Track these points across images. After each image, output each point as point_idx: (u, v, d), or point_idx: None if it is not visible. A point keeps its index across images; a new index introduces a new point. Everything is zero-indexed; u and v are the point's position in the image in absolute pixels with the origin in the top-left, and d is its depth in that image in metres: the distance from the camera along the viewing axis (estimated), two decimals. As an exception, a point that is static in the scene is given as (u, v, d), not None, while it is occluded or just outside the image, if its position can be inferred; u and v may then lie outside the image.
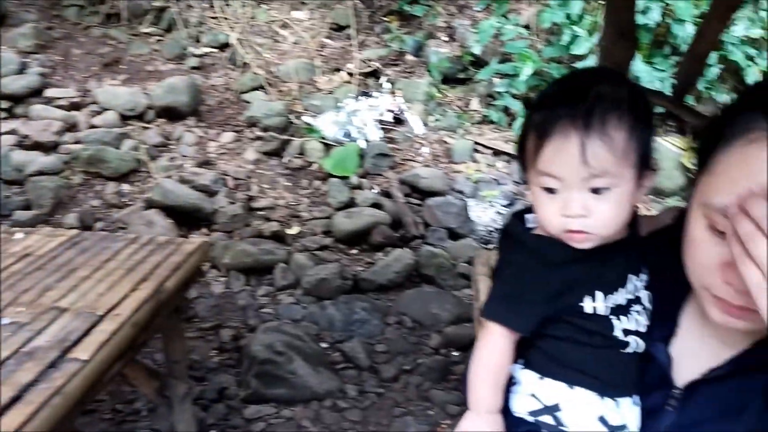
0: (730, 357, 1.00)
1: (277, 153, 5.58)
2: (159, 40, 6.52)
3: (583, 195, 0.98)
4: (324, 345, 3.88)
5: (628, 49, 2.63)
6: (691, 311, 1.08)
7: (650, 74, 5.78)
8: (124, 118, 5.57)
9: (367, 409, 3.45)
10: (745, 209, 0.78)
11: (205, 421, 3.25)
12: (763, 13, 5.80)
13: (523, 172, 1.08)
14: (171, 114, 5.68)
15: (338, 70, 6.43)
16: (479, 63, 6.48)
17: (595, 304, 1.03)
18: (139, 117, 5.62)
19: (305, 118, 5.87)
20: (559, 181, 0.99)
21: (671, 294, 1.07)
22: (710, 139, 0.94)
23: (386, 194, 5.29)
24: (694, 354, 1.04)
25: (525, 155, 1.05)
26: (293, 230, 4.85)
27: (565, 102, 0.99)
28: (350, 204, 5.11)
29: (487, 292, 1.16)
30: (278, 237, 4.73)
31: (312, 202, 5.19)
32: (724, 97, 5.89)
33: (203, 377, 3.58)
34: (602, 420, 1.05)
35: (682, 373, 1.04)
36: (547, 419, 1.07)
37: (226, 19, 6.63)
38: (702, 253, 0.93)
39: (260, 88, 6.14)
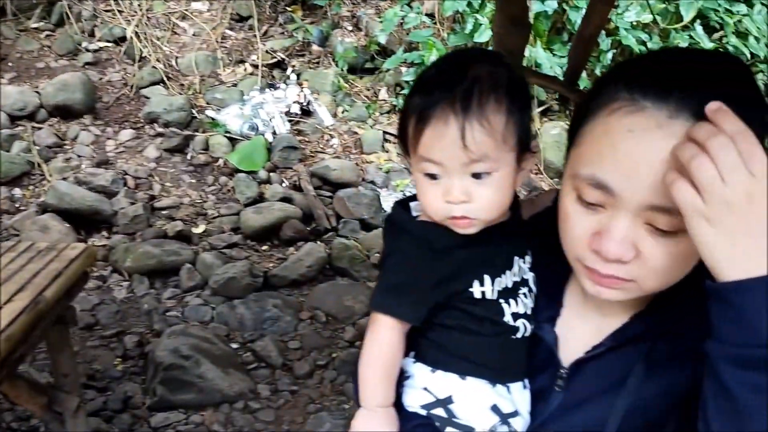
0: (610, 332, 1.00)
1: (179, 149, 5.39)
2: (49, 36, 6.18)
3: (465, 180, 0.97)
4: (234, 345, 3.77)
5: (522, 35, 2.62)
6: (573, 290, 1.09)
7: (550, 60, 5.89)
8: (14, 119, 5.25)
9: (281, 409, 3.37)
10: (691, 135, 0.79)
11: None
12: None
13: (405, 157, 1.05)
14: (64, 113, 5.39)
15: (242, 61, 6.27)
16: (385, 52, 6.45)
17: (484, 288, 1.02)
18: (30, 117, 5.32)
19: (209, 113, 5.69)
20: (440, 167, 0.97)
21: (555, 275, 1.07)
22: (579, 115, 0.95)
23: (296, 188, 5.20)
24: (578, 332, 1.05)
25: (406, 140, 1.02)
26: (199, 229, 4.70)
27: (442, 85, 0.97)
28: (259, 199, 4.99)
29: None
30: (183, 237, 4.57)
31: (218, 199, 5.04)
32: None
33: (106, 387, 3.41)
34: (495, 409, 1.04)
35: (567, 352, 1.04)
36: (439, 412, 1.05)
37: (121, 12, 6.34)
38: (573, 226, 0.93)
39: (160, 82, 5.91)
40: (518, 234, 1.10)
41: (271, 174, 5.28)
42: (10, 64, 5.80)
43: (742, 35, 6.17)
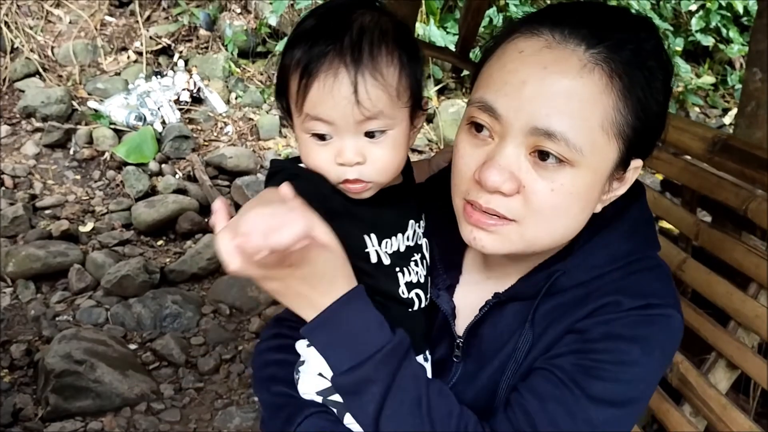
0: (493, 294, 1.01)
1: (61, 144, 5.07)
2: None
3: (358, 140, 0.90)
4: (133, 346, 3.57)
5: (411, 6, 2.60)
6: (472, 258, 1.08)
7: (444, 38, 5.92)
8: None
9: (186, 407, 3.23)
10: None
11: (-2, 449, 2.86)
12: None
13: (287, 118, 0.97)
14: (-73, 110, 4.95)
15: (124, 49, 5.95)
16: (278, 35, 6.29)
17: (377, 248, 0.97)
18: None
19: (91, 104, 5.37)
20: (331, 126, 0.89)
21: (454, 242, 1.03)
22: (482, 59, 0.97)
23: (191, 178, 5.00)
24: (473, 300, 1.03)
25: (288, 99, 0.93)
26: (87, 227, 4.43)
27: (327, 35, 0.88)
28: (151, 192, 4.77)
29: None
30: (70, 236, 4.30)
31: (107, 195, 4.77)
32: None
33: (-8, 402, 3.15)
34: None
35: (463, 321, 1.03)
36: (336, 398, 0.98)
37: (-13, -1, 5.87)
38: (462, 160, 0.93)
39: (35, 74, 5.53)
40: (411, 197, 1.05)
41: (163, 165, 5.05)
42: None
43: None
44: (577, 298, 0.94)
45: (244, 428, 3.07)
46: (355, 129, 0.90)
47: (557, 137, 0.84)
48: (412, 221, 1.03)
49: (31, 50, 5.65)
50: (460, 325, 1.03)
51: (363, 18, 0.91)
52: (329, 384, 0.98)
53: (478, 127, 0.90)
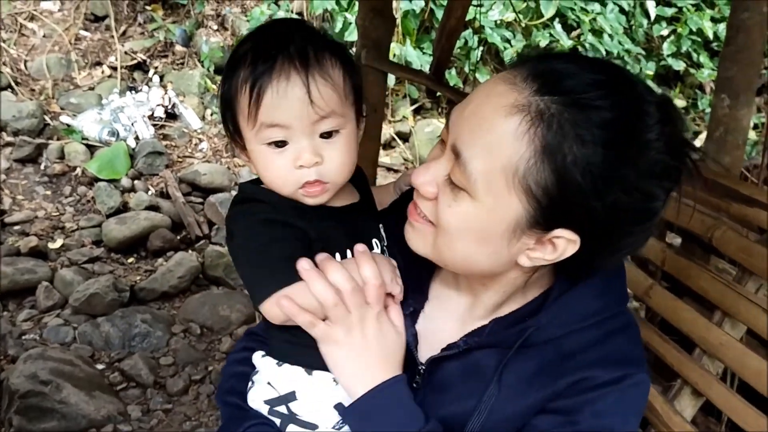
0: (465, 333, 1.01)
1: (32, 159, 5.01)
2: None
3: (314, 141, 0.95)
4: (101, 366, 3.51)
5: (387, 26, 2.61)
6: (439, 284, 1.08)
7: (420, 58, 5.96)
8: None
9: (154, 429, 3.18)
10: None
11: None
12: (514, -3, 6.22)
13: (234, 141, 1.01)
14: None
15: (99, 64, 5.90)
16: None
17: None
18: None
19: (63, 119, 5.32)
20: (287, 130, 0.94)
21: (421, 267, 1.05)
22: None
23: (163, 195, 4.96)
24: (439, 328, 1.05)
25: (237, 120, 0.97)
26: (56, 244, 4.36)
27: (271, 49, 0.94)
28: (123, 209, 4.72)
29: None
30: (39, 253, 4.23)
31: (77, 211, 4.71)
32: (486, 78, 6.23)
33: (-47, 425, 3.07)
34: (339, 407, 1.01)
35: (427, 347, 1.04)
36: (281, 409, 1.02)
37: (-41, 11, 5.80)
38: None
39: (7, 88, 5.46)
40: (371, 215, 1.09)
41: (135, 182, 5.00)
42: None
43: (598, 33, 6.50)
44: (549, 361, 0.95)
45: (212, 451, 3.03)
46: (310, 130, 0.94)
47: (461, 162, 0.86)
48: (375, 240, 1.05)
49: (4, 63, 5.59)
50: (424, 352, 1.04)
51: (302, 33, 0.97)
52: (276, 394, 1.01)
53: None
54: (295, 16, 6.22)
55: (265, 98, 0.92)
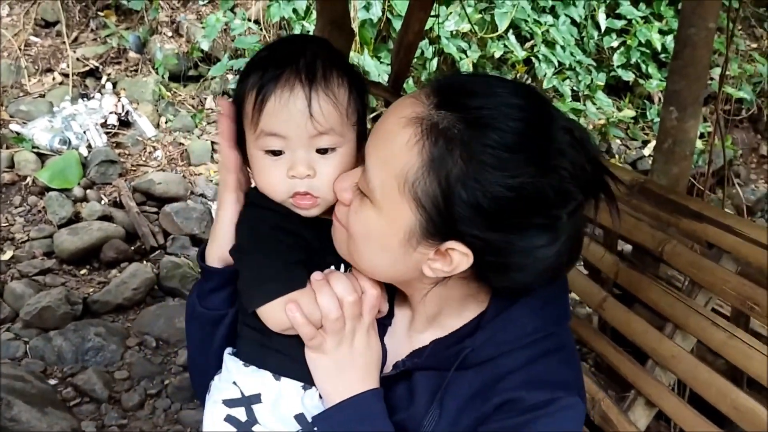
0: (409, 352, 1.02)
1: (-21, 168, 4.85)
2: None
3: (310, 155, 0.97)
4: (53, 382, 3.43)
5: (345, 39, 2.63)
6: (399, 302, 1.08)
7: (378, 68, 5.99)
8: None
9: (109, 446, 3.11)
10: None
11: None
12: (469, 9, 6.29)
13: (239, 148, 1.04)
14: None
15: (50, 70, 5.78)
16: (210, 59, 6.23)
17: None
18: None
19: (13, 127, 5.19)
20: (285, 140, 0.96)
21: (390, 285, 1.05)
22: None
23: (117, 204, 4.87)
24: (395, 345, 1.06)
25: (243, 124, 1.00)
26: (6, 255, 4.25)
27: (284, 59, 0.97)
28: (75, 219, 4.62)
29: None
30: (-13, 265, 4.11)
31: (27, 221, 4.60)
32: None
33: None
34: (299, 418, 1.01)
35: (387, 365, 1.05)
36: (239, 413, 1.01)
37: None
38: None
39: (-47, 94, 5.31)
40: None
41: (88, 191, 4.90)
42: None
43: (551, 44, 6.63)
44: (484, 382, 0.94)
45: (169, 467, 3.00)
46: (307, 144, 0.96)
47: (365, 170, 0.90)
48: None
49: (-51, 69, 5.43)
50: (386, 369, 1.04)
51: (315, 47, 1.00)
52: (240, 395, 1.01)
53: None
54: (252, 24, 6.19)
55: (267, 106, 0.94)
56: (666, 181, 3.08)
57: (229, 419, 1.02)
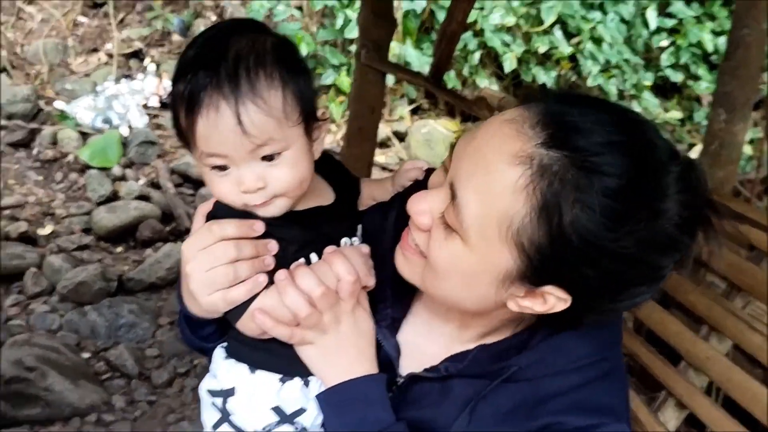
0: (449, 355, 0.98)
1: (25, 144, 5.01)
2: None
3: (256, 166, 0.91)
4: (86, 355, 3.50)
5: (387, 28, 2.61)
6: (425, 300, 1.05)
7: (420, 59, 5.96)
8: None
9: (138, 420, 3.18)
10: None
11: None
12: (515, 2, 6.21)
13: (188, 149, 0.96)
14: None
15: (95, 50, 5.88)
16: (252, 45, 6.27)
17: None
18: None
19: (57, 104, 5.30)
20: (225, 159, 0.90)
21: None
22: None
23: (154, 185, 4.94)
24: (422, 346, 1.03)
25: (184, 133, 0.93)
26: (46, 230, 4.34)
27: (204, 65, 0.88)
28: (113, 197, 4.69)
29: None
30: (28, 238, 4.22)
31: (68, 198, 4.70)
32: (485, 82, 6.24)
33: (-63, 407, 3.06)
34: (276, 410, 1.00)
35: (407, 360, 1.03)
36: (218, 403, 1.02)
37: (-43, -7, 5.76)
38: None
39: (3, 71, 5.43)
40: (345, 216, 1.06)
41: (127, 170, 4.99)
42: None
43: (597, 41, 6.51)
44: (524, 401, 0.92)
45: (195, 443, 3.04)
46: (249, 157, 0.90)
47: (456, 204, 0.83)
48: (345, 239, 1.04)
49: (5, 46, 5.56)
50: (404, 366, 1.02)
51: (239, 44, 0.90)
52: (220, 387, 1.01)
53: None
54: (294, 11, 6.21)
55: (198, 129, 0.88)
56: (710, 185, 3.01)
57: (213, 407, 1.02)
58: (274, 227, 0.96)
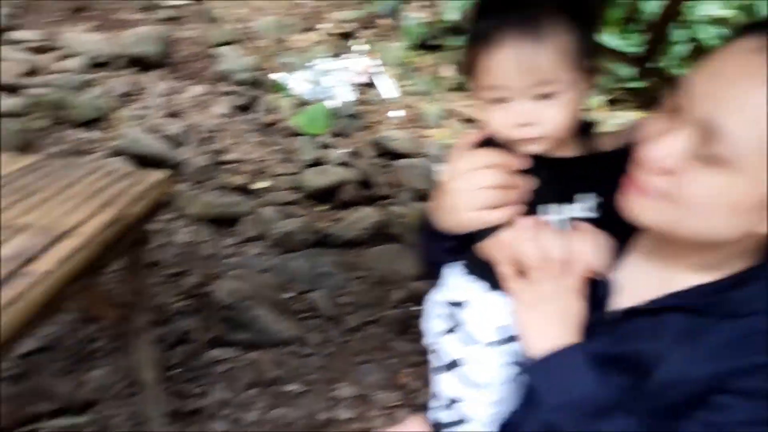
0: (671, 291, 0.99)
1: (247, 108, 5.51)
2: (128, -11, 6.39)
3: (532, 103, 0.98)
4: (288, 295, 3.87)
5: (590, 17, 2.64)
6: (642, 240, 1.08)
7: (623, 48, 5.83)
8: (92, 66, 5.45)
9: (329, 356, 3.46)
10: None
11: (167, 361, 3.24)
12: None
13: (470, 85, 1.06)
14: (140, 64, 5.56)
15: (311, 29, 6.38)
16: (455, 30, 6.48)
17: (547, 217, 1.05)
18: (107, 65, 5.51)
19: (277, 75, 5.81)
20: (506, 91, 0.99)
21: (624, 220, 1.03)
22: None
23: (356, 155, 5.28)
24: (639, 281, 1.04)
25: (471, 67, 1.03)
26: (261, 184, 4.82)
27: (504, 9, 0.97)
28: (319, 162, 5.08)
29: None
30: (245, 190, 4.70)
31: (281, 159, 5.16)
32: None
33: (166, 321, 3.56)
34: (501, 329, 1.09)
35: (621, 297, 1.05)
36: (450, 312, 1.12)
37: (198, -26, 6.51)
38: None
39: (232, 42, 6.06)
40: (583, 172, 1.08)
41: (332, 139, 5.38)
42: (91, 13, 6.01)
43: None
44: (743, 336, 0.90)
45: (379, 382, 3.29)
46: (527, 93, 0.97)
47: (718, 134, 0.83)
48: (579, 194, 1.08)
49: (232, 20, 6.20)
50: (619, 300, 1.05)
51: None
52: (454, 299, 1.12)
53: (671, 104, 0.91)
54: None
55: (488, 59, 0.97)
56: None
57: (444, 316, 1.13)
58: (532, 170, 1.03)
